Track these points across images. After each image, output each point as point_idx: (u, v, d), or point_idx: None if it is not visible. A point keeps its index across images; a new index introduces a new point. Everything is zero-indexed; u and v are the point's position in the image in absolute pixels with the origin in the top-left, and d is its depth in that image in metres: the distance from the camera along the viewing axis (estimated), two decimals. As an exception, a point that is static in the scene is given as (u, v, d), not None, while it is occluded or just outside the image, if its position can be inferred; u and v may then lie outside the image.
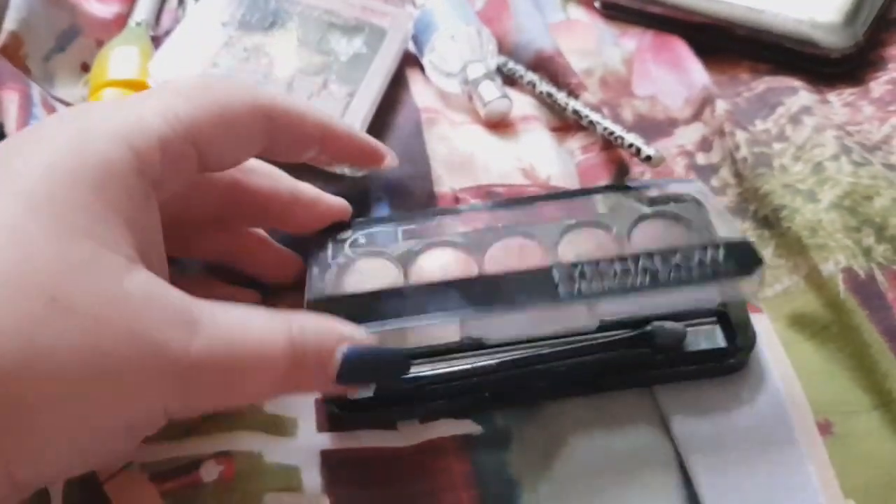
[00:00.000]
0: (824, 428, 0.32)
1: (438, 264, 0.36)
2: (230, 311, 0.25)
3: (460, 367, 0.33)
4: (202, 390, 0.25)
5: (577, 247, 0.36)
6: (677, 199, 0.38)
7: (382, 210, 0.40)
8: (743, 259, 0.32)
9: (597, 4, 0.49)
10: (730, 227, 0.34)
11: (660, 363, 0.33)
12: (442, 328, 0.33)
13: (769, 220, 0.38)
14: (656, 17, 0.47)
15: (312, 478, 0.32)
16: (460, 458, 0.32)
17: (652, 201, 0.38)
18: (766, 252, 0.37)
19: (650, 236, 0.37)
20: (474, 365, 0.33)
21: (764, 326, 0.35)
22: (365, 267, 0.36)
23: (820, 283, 0.35)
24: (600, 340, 0.33)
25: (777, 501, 0.30)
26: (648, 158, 0.39)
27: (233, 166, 0.31)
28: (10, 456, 0.22)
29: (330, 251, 0.36)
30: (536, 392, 0.34)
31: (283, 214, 0.34)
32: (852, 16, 0.42)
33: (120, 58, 0.43)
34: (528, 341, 0.34)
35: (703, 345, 0.34)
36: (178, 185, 0.28)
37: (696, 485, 0.31)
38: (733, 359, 0.33)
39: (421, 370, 0.34)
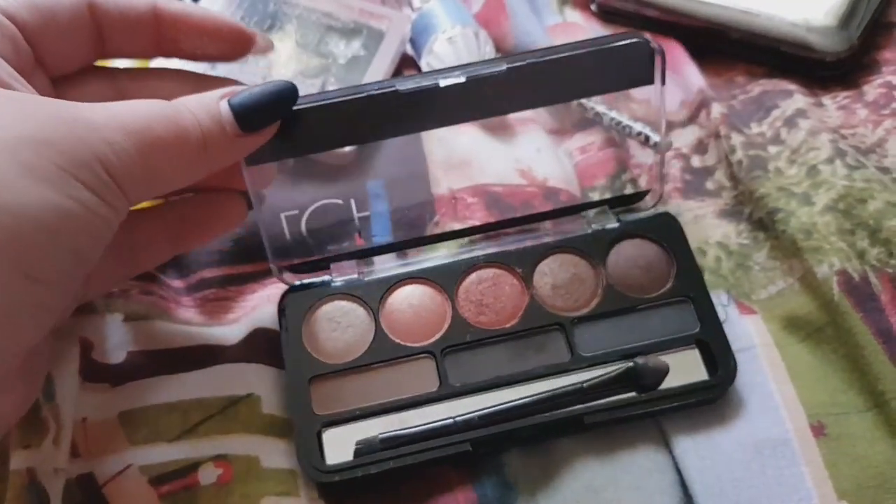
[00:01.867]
0: (818, 429, 0.32)
1: (408, 304, 0.36)
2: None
3: (441, 423, 0.32)
4: (125, 150, 0.26)
5: (554, 277, 0.36)
6: (648, 212, 0.38)
7: (381, 209, 0.41)
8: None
9: (593, 7, 0.49)
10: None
11: (644, 401, 0.33)
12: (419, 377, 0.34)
13: (764, 223, 0.38)
14: (652, 20, 0.47)
15: (309, 482, 0.32)
16: (458, 463, 0.33)
17: (623, 215, 0.38)
18: (761, 254, 0.38)
19: (625, 257, 0.37)
20: (456, 419, 0.32)
21: (758, 328, 0.35)
22: (336, 311, 0.36)
23: (814, 286, 0.35)
24: (584, 385, 0.33)
25: (771, 502, 0.31)
26: (656, 144, 0.40)
27: (66, 49, 0.31)
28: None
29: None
30: (520, 440, 0.33)
31: (151, 33, 0.32)
32: (847, 20, 0.43)
33: (121, 60, 0.43)
34: (507, 384, 0.34)
35: (685, 377, 0.33)
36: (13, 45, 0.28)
37: (690, 487, 0.31)
38: (715, 392, 0.33)
39: (400, 423, 0.33)
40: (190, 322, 0.37)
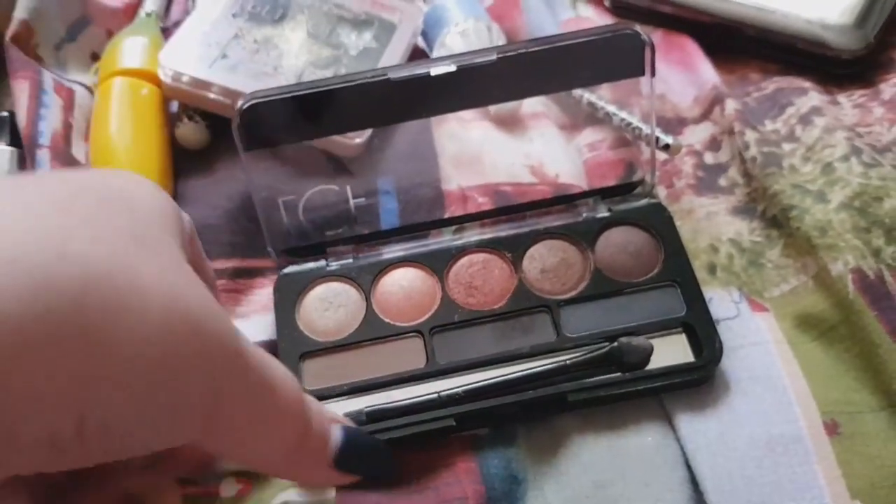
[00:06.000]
0: (831, 428, 0.32)
1: (399, 285, 0.37)
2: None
3: (426, 397, 0.32)
4: (241, 389, 0.23)
5: (542, 261, 0.37)
6: (636, 200, 0.38)
7: (390, 206, 0.40)
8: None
9: (607, 3, 0.49)
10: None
11: (628, 381, 0.33)
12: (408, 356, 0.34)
13: (778, 220, 0.38)
14: (666, 16, 0.46)
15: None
16: (466, 455, 0.32)
17: (612, 203, 0.38)
18: (774, 252, 0.37)
19: (613, 243, 0.37)
20: (440, 394, 0.32)
21: (770, 325, 0.35)
22: (329, 292, 0.36)
23: (829, 284, 0.35)
24: (568, 362, 0.33)
25: (783, 501, 0.30)
26: (667, 147, 0.40)
27: None
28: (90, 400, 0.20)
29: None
30: (504, 417, 0.33)
31: None
32: (863, 18, 0.42)
33: (130, 48, 0.43)
34: (493, 362, 0.34)
35: (671, 360, 0.33)
36: None
37: (701, 484, 0.31)
38: (700, 373, 0.33)
39: (387, 399, 0.33)
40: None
